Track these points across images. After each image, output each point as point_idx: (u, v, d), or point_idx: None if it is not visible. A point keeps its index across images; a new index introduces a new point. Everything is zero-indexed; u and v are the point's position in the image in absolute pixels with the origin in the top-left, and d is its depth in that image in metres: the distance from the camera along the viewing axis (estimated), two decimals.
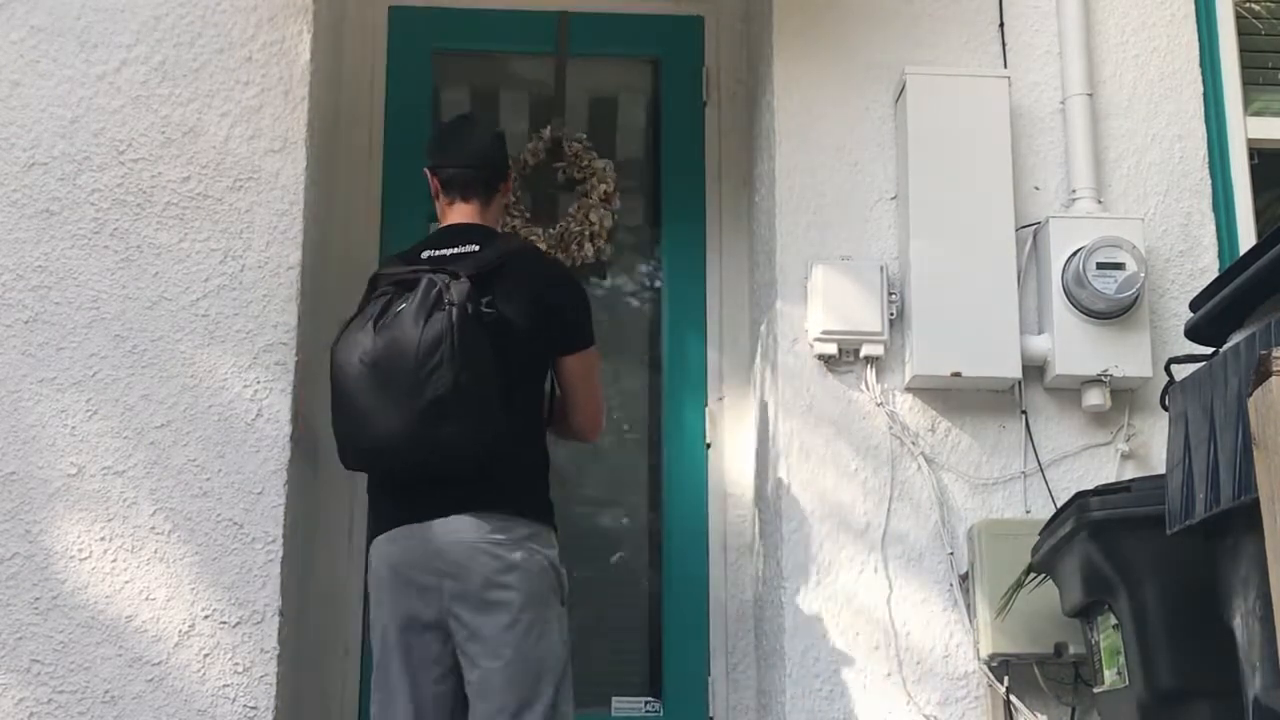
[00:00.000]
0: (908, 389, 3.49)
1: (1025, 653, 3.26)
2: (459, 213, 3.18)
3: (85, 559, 3.24)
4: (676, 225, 4.09)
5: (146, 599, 3.23)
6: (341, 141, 3.95)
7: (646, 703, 3.83)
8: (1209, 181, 3.67)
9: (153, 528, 3.27)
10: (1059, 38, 3.70)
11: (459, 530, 2.95)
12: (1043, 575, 3.13)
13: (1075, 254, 3.42)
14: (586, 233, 4.02)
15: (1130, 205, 3.63)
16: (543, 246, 3.99)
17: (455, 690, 2.99)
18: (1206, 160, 3.68)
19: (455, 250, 3.05)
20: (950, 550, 3.40)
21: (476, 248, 3.05)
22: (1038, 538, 3.10)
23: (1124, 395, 3.49)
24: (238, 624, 3.23)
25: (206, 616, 3.23)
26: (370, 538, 3.07)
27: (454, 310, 2.88)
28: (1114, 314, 3.43)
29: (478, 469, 2.95)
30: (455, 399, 2.85)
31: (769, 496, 3.60)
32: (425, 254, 3.08)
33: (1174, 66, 3.73)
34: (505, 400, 2.95)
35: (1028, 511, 3.43)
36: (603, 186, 4.05)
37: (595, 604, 3.98)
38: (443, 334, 2.86)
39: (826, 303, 3.47)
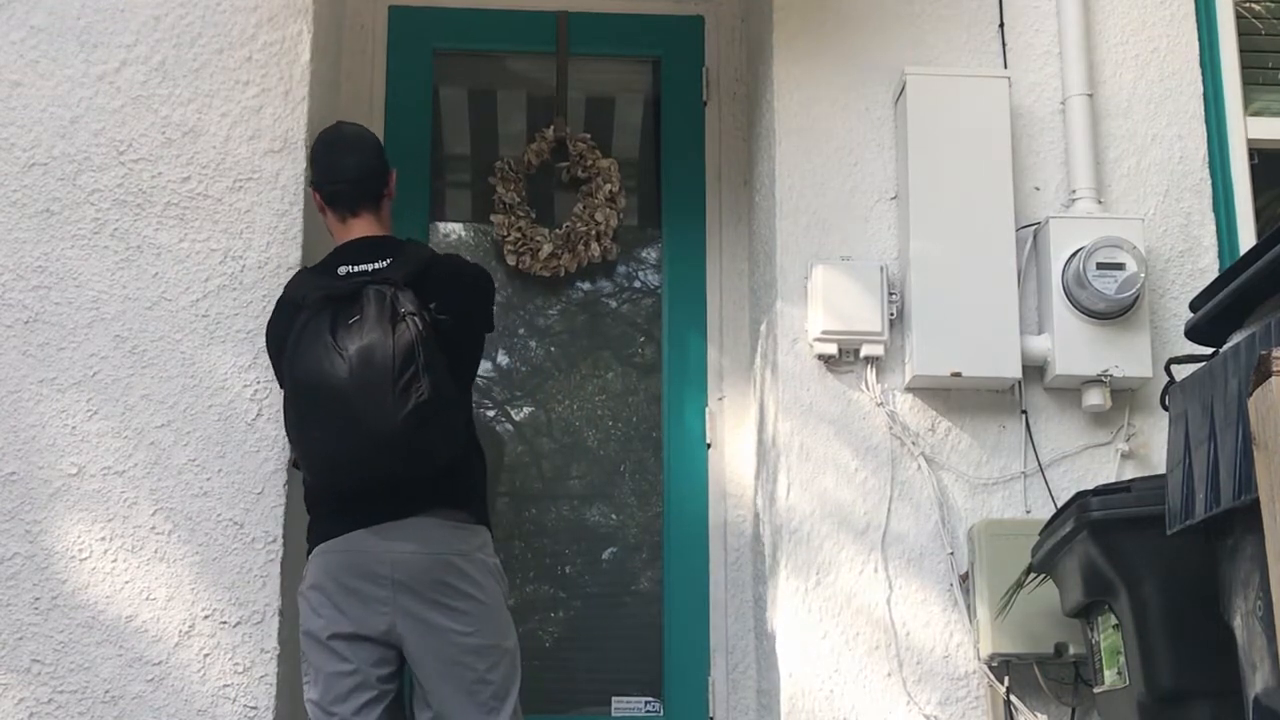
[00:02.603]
0: (908, 389, 3.49)
1: (1025, 653, 3.26)
2: (357, 227, 3.20)
3: (85, 559, 3.24)
4: (676, 225, 4.09)
5: (147, 599, 3.23)
6: None
7: (646, 703, 3.83)
8: (1209, 181, 3.67)
9: (153, 528, 3.27)
10: (1059, 38, 3.70)
11: (413, 536, 2.97)
12: (1043, 575, 3.13)
13: (1075, 254, 3.42)
14: (593, 233, 4.02)
15: (1130, 205, 3.63)
16: (549, 247, 4.00)
17: (387, 712, 3.02)
18: (1206, 160, 3.68)
19: (375, 265, 3.08)
20: (950, 550, 3.40)
21: (391, 259, 3.09)
22: (1038, 538, 3.10)
23: (1124, 395, 3.49)
24: (238, 624, 3.24)
25: (206, 616, 3.23)
26: (311, 548, 3.08)
27: (415, 319, 2.92)
28: (1114, 314, 3.43)
29: (446, 473, 2.98)
30: (431, 406, 2.90)
31: (769, 496, 3.60)
32: (342, 269, 3.11)
33: (1174, 66, 3.73)
34: (453, 414, 3.02)
35: (1028, 511, 3.43)
36: (608, 186, 4.05)
37: (595, 604, 3.99)
38: (414, 342, 2.90)
39: (826, 303, 3.47)
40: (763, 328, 3.73)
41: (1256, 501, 2.08)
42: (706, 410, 3.95)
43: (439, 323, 2.99)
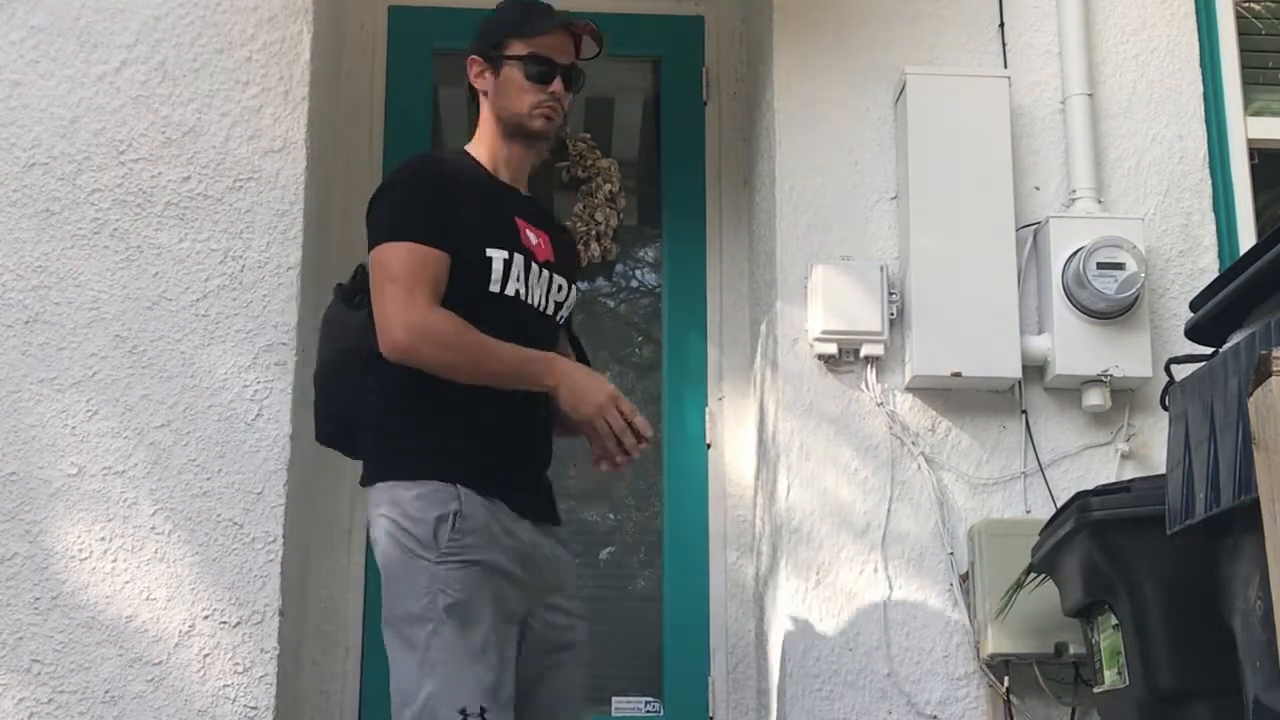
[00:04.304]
0: (908, 389, 3.49)
1: (1025, 653, 3.26)
2: None
3: (85, 559, 3.24)
4: (676, 225, 4.09)
5: (147, 599, 3.23)
6: (341, 141, 3.95)
7: (646, 703, 3.83)
8: (1209, 181, 3.67)
9: (153, 528, 3.27)
10: (1059, 38, 3.70)
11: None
12: (1043, 575, 3.13)
13: (1075, 254, 3.42)
14: (593, 232, 4.02)
15: (1130, 205, 3.63)
16: None
17: None
18: (1206, 160, 3.68)
19: None
20: (950, 550, 3.40)
21: None
22: (1038, 538, 3.10)
23: (1124, 395, 3.49)
24: (238, 624, 3.24)
25: (206, 616, 3.23)
26: None
27: (337, 292, 2.82)
28: (1114, 314, 3.43)
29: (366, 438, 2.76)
30: (322, 372, 2.78)
31: (769, 496, 3.60)
32: None
33: (1174, 66, 3.73)
34: (368, 367, 2.67)
35: (1028, 511, 3.43)
36: (608, 186, 4.06)
37: (595, 604, 3.98)
38: (326, 316, 2.83)
39: (826, 303, 3.47)
40: (763, 327, 3.73)
41: (1256, 501, 2.08)
42: (706, 410, 3.95)
43: (348, 291, 2.80)
